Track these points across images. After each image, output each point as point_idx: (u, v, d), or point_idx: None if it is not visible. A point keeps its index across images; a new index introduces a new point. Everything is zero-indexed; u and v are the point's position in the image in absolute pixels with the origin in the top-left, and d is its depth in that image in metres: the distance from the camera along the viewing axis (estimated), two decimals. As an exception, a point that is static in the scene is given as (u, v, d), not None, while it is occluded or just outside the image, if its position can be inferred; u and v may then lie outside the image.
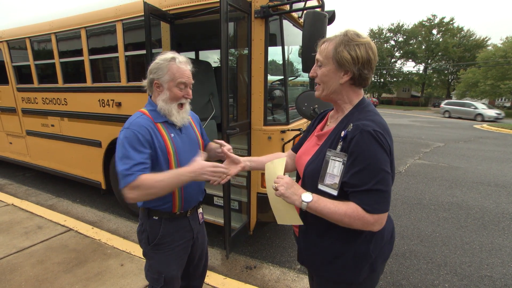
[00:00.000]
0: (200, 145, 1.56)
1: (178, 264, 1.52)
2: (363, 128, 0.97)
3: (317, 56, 1.11)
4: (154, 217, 1.44)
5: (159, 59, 1.37)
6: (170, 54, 1.38)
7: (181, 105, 1.41)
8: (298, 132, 2.63)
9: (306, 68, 2.05)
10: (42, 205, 3.89)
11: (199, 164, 1.26)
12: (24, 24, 4.20)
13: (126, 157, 1.24)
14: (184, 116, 1.44)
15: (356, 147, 0.97)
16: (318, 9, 2.05)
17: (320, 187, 1.06)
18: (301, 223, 1.14)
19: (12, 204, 3.85)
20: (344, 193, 1.02)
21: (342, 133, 1.03)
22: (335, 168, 1.02)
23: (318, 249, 1.13)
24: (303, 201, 1.03)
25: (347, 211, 0.98)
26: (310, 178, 1.11)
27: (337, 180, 1.01)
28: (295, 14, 2.72)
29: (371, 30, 47.72)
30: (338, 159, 1.02)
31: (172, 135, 1.40)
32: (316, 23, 1.88)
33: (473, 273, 2.68)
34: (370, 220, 0.98)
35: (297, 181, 1.24)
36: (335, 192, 1.02)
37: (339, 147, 1.03)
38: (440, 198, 4.53)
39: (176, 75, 1.34)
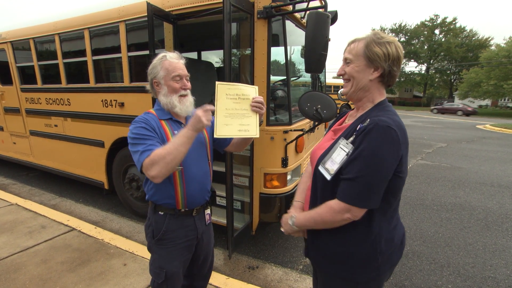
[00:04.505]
0: (206, 145, 1.57)
1: (180, 261, 1.53)
2: (378, 122, 0.96)
3: (346, 55, 1.12)
4: (159, 212, 1.49)
5: (153, 60, 1.47)
6: (161, 53, 1.46)
7: (182, 96, 1.46)
8: (300, 133, 2.63)
9: (309, 68, 2.05)
10: (46, 204, 3.91)
11: (193, 115, 1.29)
12: (28, 25, 4.23)
13: (138, 142, 1.32)
14: (187, 106, 1.47)
15: (364, 138, 0.97)
16: (321, 10, 2.05)
17: (319, 167, 1.09)
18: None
19: (16, 203, 3.88)
20: (337, 182, 1.04)
21: (358, 127, 1.04)
22: (339, 155, 1.04)
23: (326, 246, 1.14)
24: (290, 221, 1.19)
25: (318, 211, 1.06)
26: None
27: (335, 167, 1.03)
28: (297, 15, 2.72)
29: (373, 30, 47.53)
30: (345, 149, 1.03)
31: (176, 132, 1.44)
32: (319, 24, 1.88)
33: (477, 274, 2.67)
34: (335, 207, 1.00)
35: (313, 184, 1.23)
36: (329, 177, 1.04)
37: (351, 138, 1.03)
38: (443, 198, 4.51)
39: (170, 69, 1.42)
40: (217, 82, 1.36)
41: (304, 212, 1.16)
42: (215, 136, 1.34)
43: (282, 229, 1.27)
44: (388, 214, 1.07)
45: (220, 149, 1.69)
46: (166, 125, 1.44)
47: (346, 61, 1.11)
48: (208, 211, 1.64)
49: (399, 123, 1.00)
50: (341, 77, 1.15)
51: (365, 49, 1.04)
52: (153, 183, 1.42)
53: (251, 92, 1.41)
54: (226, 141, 1.64)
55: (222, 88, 1.36)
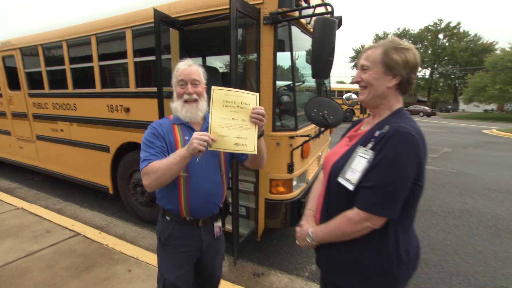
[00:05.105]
0: (220, 155, 1.49)
1: (179, 270, 1.47)
2: (399, 128, 0.95)
3: (362, 61, 1.10)
4: (166, 217, 1.50)
5: None
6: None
7: (187, 102, 1.42)
8: (306, 138, 2.61)
9: (316, 74, 2.04)
10: (51, 209, 3.93)
11: (192, 137, 1.24)
12: (36, 32, 4.30)
13: (144, 149, 1.39)
14: (192, 112, 1.43)
15: (384, 144, 0.95)
16: (327, 15, 2.05)
17: (339, 179, 1.05)
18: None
19: (22, 208, 3.90)
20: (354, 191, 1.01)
21: (377, 133, 1.01)
22: (359, 164, 1.00)
23: (338, 256, 1.10)
24: (308, 238, 1.16)
25: (336, 223, 1.04)
26: (335, 176, 1.08)
27: (357, 176, 0.99)
28: (303, 20, 2.73)
29: (377, 35, 47.67)
30: (365, 156, 1.00)
31: (186, 137, 1.43)
32: (326, 29, 1.88)
33: (487, 284, 2.60)
34: (354, 218, 0.98)
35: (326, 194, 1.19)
36: (351, 187, 1.00)
37: (369, 145, 1.01)
38: (450, 204, 4.44)
39: (176, 75, 1.46)
40: (213, 87, 1.23)
41: (320, 226, 1.12)
42: (209, 149, 1.23)
43: (297, 243, 1.24)
44: (405, 224, 1.04)
45: (240, 161, 1.57)
46: (178, 129, 1.45)
47: (363, 68, 1.09)
48: (218, 223, 1.56)
49: (418, 130, 0.99)
50: (357, 84, 1.13)
51: (383, 56, 1.03)
52: (162, 187, 1.43)
53: (251, 100, 1.26)
54: (244, 155, 1.50)
55: (219, 94, 1.22)
